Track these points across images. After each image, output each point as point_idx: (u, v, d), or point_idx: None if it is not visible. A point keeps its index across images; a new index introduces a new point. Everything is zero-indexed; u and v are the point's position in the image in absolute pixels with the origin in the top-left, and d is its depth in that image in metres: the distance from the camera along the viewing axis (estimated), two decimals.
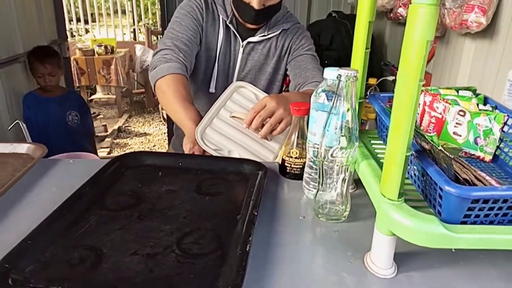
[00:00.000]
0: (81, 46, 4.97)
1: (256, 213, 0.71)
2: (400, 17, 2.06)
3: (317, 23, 2.54)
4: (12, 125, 1.10)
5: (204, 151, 1.00)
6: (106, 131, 4.53)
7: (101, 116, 5.16)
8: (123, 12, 6.60)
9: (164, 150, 4.19)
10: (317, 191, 0.76)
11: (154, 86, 1.15)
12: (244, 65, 1.32)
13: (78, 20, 6.39)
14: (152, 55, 1.23)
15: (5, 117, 2.22)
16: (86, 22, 6.46)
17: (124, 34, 6.50)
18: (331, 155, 0.70)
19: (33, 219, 0.73)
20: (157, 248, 0.66)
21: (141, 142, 4.48)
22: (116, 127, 4.79)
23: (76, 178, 0.89)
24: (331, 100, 0.75)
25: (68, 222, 0.71)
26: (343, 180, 0.73)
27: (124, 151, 4.25)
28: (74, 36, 6.27)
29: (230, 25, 1.26)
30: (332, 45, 2.37)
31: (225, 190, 0.85)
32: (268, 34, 1.29)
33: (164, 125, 5.05)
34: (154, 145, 4.38)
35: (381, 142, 0.82)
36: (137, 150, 4.23)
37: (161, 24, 3.06)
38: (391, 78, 1.97)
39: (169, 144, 3.34)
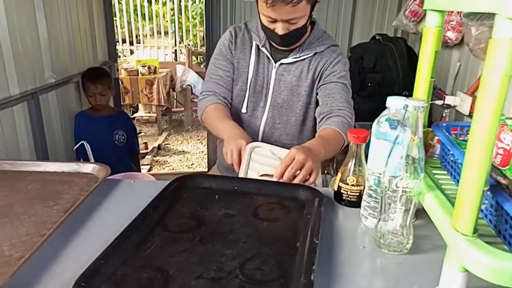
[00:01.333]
0: (126, 67, 5.20)
1: (317, 241, 0.71)
2: (448, 41, 2.03)
3: (360, 45, 2.54)
4: (77, 145, 1.17)
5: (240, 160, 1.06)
6: (147, 148, 4.66)
7: (142, 133, 5.33)
8: (166, 33, 6.88)
9: (202, 169, 4.26)
10: (378, 221, 0.75)
11: (202, 121, 1.35)
12: (277, 86, 1.36)
13: (124, 41, 6.71)
14: (199, 91, 1.38)
15: (58, 134, 2.34)
16: (131, 43, 6.77)
17: (166, 54, 6.75)
18: (395, 185, 0.70)
19: (102, 238, 0.76)
20: (221, 272, 0.67)
21: (180, 160, 4.58)
22: (156, 144, 4.93)
23: (138, 198, 0.92)
24: (394, 128, 0.75)
25: (135, 243, 0.74)
26: (406, 211, 0.72)
27: (164, 168, 4.35)
28: (119, 56, 6.58)
29: (263, 49, 1.32)
30: (375, 68, 2.35)
31: (282, 216, 0.86)
32: (300, 56, 1.31)
33: (201, 143, 5.16)
34: (192, 163, 4.47)
35: (445, 172, 0.80)
36: (176, 168, 4.32)
37: (206, 47, 3.16)
38: (439, 102, 1.92)
39: (208, 166, 3.39)
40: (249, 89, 1.36)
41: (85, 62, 2.67)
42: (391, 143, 0.73)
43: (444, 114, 1.77)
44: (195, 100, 6.00)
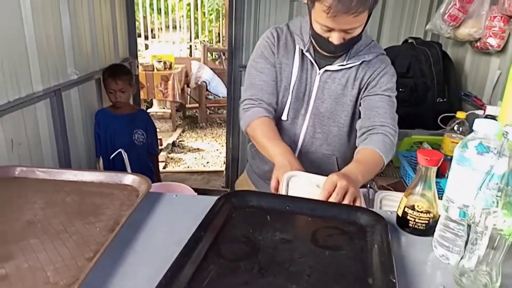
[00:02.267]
0: (142, 62, 5.15)
1: (394, 280, 0.63)
2: (489, 47, 1.93)
3: (392, 49, 2.44)
4: (115, 153, 1.10)
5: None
6: (161, 144, 4.61)
7: (157, 129, 5.28)
8: (181, 28, 6.81)
9: (218, 168, 4.20)
10: (461, 258, 0.67)
11: (247, 133, 1.28)
12: (321, 94, 1.28)
13: (139, 35, 6.65)
14: (240, 103, 1.32)
15: (79, 131, 2.29)
16: (146, 38, 6.71)
17: (181, 50, 6.69)
18: (486, 220, 0.62)
19: (152, 264, 0.70)
20: None
21: (195, 158, 4.52)
22: (170, 141, 4.88)
23: (184, 216, 0.87)
24: (481, 154, 0.67)
25: (190, 273, 0.67)
26: (495, 249, 0.64)
27: (179, 166, 4.30)
28: (138, 49, 6.53)
29: (307, 54, 1.24)
30: (408, 73, 2.26)
31: (344, 244, 0.78)
32: (347, 64, 1.23)
33: (216, 141, 5.10)
34: (208, 162, 4.41)
35: None
36: (191, 166, 4.26)
37: (228, 43, 3.08)
38: (479, 112, 1.83)
39: (226, 166, 3.34)
40: (292, 95, 1.28)
41: (106, 59, 2.61)
42: (479, 172, 0.66)
43: None
44: (209, 97, 5.94)
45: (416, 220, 0.81)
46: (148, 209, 0.89)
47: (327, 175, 1.05)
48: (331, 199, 0.91)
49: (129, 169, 1.08)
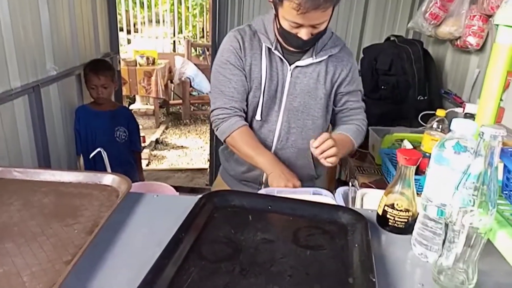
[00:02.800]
0: (124, 57, 5.06)
1: (374, 280, 0.64)
2: (469, 46, 1.97)
3: (374, 46, 2.46)
4: (94, 152, 1.08)
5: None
6: (144, 142, 4.55)
7: (140, 126, 5.22)
8: (164, 22, 6.73)
9: (202, 165, 4.17)
10: (439, 256, 0.68)
11: (225, 142, 1.32)
12: (293, 89, 1.30)
13: (121, 30, 6.54)
14: (210, 110, 1.35)
15: (59, 128, 2.24)
16: (128, 32, 6.61)
17: (164, 45, 6.61)
18: (462, 219, 0.63)
19: (132, 267, 0.69)
20: None
21: (178, 155, 4.48)
22: (153, 138, 4.82)
23: (164, 216, 0.86)
24: (458, 154, 0.68)
25: (171, 275, 0.66)
26: (472, 247, 0.65)
27: (162, 163, 4.26)
28: (119, 44, 6.42)
29: (276, 52, 1.26)
30: (390, 70, 2.28)
31: (325, 243, 0.79)
32: (316, 58, 1.28)
33: (200, 138, 5.07)
34: (191, 159, 4.38)
35: (507, 202, 0.74)
36: (175, 163, 4.22)
37: (212, 40, 3.06)
38: (459, 110, 1.86)
39: (210, 163, 3.34)
40: (264, 94, 1.29)
41: (87, 54, 2.56)
42: (456, 172, 0.67)
43: None
44: (193, 93, 5.89)
45: (396, 219, 0.82)
46: (128, 210, 0.87)
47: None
48: (324, 145, 1.11)
49: (109, 169, 1.06)
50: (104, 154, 1.04)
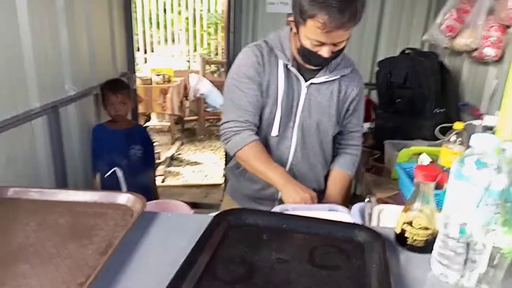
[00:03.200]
0: (141, 75, 5.16)
1: None
2: (486, 57, 1.93)
3: (389, 60, 2.45)
4: (110, 172, 1.09)
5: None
6: (159, 158, 4.60)
7: (155, 143, 5.27)
8: (179, 41, 6.86)
9: (217, 180, 4.17)
10: (461, 277, 0.66)
11: (234, 156, 1.30)
12: (307, 106, 1.32)
13: (138, 49, 6.69)
14: (221, 122, 1.34)
15: (77, 148, 2.27)
16: (145, 51, 6.75)
17: (180, 63, 6.72)
18: (485, 238, 0.60)
19: (146, 287, 0.69)
20: None
21: (193, 171, 4.50)
22: (169, 154, 4.86)
23: (179, 236, 0.85)
24: (479, 169, 0.66)
25: None
26: (494, 267, 0.62)
27: (177, 179, 4.28)
28: (136, 63, 6.57)
29: (292, 68, 1.28)
30: (406, 84, 2.26)
31: (342, 262, 0.77)
32: (330, 77, 1.30)
33: (215, 154, 5.09)
34: (206, 175, 4.39)
35: None
36: (189, 179, 4.24)
37: (227, 56, 3.10)
38: (477, 122, 1.82)
39: (225, 179, 3.35)
40: (281, 110, 1.30)
41: (104, 74, 2.61)
42: (477, 188, 0.64)
43: None
44: (208, 109, 5.94)
45: (415, 237, 0.80)
46: (142, 230, 0.87)
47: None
48: None
49: (124, 188, 1.06)
50: (119, 173, 1.05)
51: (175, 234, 0.87)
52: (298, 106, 1.31)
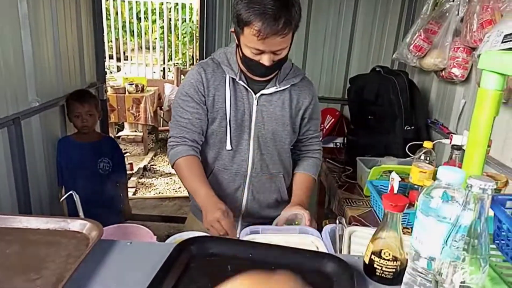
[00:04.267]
0: (113, 84, 5.05)
1: None
2: (454, 77, 1.98)
3: (360, 77, 2.47)
4: (65, 196, 1.03)
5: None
6: (132, 169, 4.48)
7: (127, 153, 5.15)
8: (154, 49, 6.77)
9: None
10: None
11: (173, 168, 1.33)
12: (260, 117, 1.34)
13: (110, 57, 6.55)
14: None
15: (41, 162, 2.17)
16: (118, 59, 6.62)
17: (154, 72, 6.62)
18: (453, 277, 0.59)
19: None
20: None
21: (166, 183, 4.41)
22: (141, 165, 4.75)
23: (137, 267, 0.80)
24: (446, 202, 0.65)
25: None
26: None
27: (150, 191, 4.18)
28: (106, 73, 6.42)
29: (240, 82, 1.30)
30: (377, 101, 2.29)
31: None
32: (280, 87, 1.32)
33: None
34: (180, 187, 4.30)
35: (498, 253, 0.70)
36: (162, 191, 4.13)
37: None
38: (446, 141, 1.85)
39: None
40: (230, 124, 1.32)
41: (71, 84, 2.52)
42: (445, 223, 0.63)
43: (454, 156, 1.69)
44: None
45: (384, 268, 0.78)
46: (98, 260, 0.81)
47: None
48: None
49: (81, 213, 1.00)
50: (76, 197, 0.99)
51: (134, 265, 0.82)
52: (252, 118, 1.33)
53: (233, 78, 1.30)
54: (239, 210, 1.41)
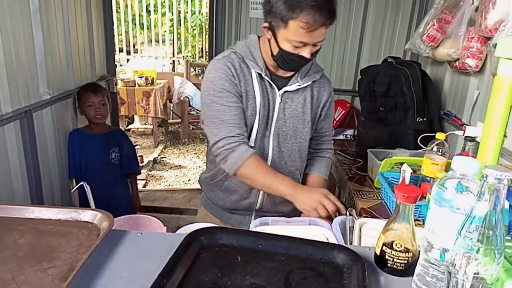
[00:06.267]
0: (123, 77, 5.07)
1: None
2: (468, 68, 1.93)
3: (371, 68, 2.43)
4: (76, 187, 1.04)
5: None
6: (142, 162, 4.51)
7: (138, 146, 5.18)
8: (163, 42, 6.77)
9: (198, 185, 4.10)
10: None
11: (235, 174, 1.24)
12: (282, 114, 1.31)
13: (120, 50, 6.58)
14: (212, 143, 1.25)
15: (52, 154, 2.19)
16: (128, 52, 6.64)
17: (164, 65, 6.63)
18: (466, 268, 0.58)
19: None
20: None
21: (176, 175, 4.43)
22: (151, 158, 4.78)
23: (148, 258, 0.80)
24: (461, 193, 0.63)
25: None
26: None
27: (160, 184, 4.20)
28: (116, 66, 6.45)
29: (265, 77, 1.26)
30: (388, 92, 2.25)
31: (319, 287, 0.73)
32: (302, 84, 1.30)
33: (198, 158, 5.02)
34: (189, 179, 4.32)
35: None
36: (172, 183, 4.16)
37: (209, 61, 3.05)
38: (459, 133, 1.82)
39: None
40: (259, 121, 1.28)
41: (82, 77, 2.54)
42: (459, 214, 0.62)
43: (467, 148, 1.66)
44: (192, 112, 5.87)
45: (395, 260, 0.77)
46: (109, 251, 0.82)
47: None
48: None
49: (92, 204, 1.01)
50: (87, 188, 0.99)
51: (144, 255, 0.82)
52: (274, 114, 1.30)
53: (258, 73, 1.25)
54: (254, 206, 1.39)
